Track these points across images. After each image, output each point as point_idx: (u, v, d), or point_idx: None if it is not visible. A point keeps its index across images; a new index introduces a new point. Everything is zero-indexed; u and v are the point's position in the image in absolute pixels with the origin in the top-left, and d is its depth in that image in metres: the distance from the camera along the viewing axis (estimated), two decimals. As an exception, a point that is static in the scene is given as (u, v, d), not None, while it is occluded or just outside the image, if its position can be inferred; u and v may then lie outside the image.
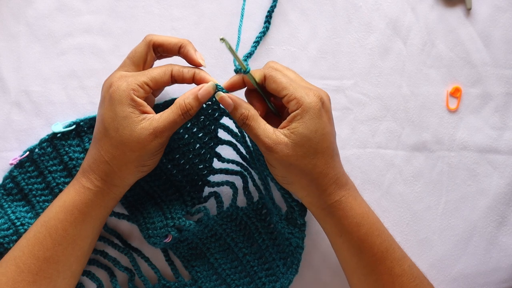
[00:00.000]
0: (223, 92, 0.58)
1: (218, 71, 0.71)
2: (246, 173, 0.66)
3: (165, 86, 0.61)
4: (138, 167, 0.58)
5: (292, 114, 0.56)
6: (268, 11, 0.70)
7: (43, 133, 0.68)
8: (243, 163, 0.66)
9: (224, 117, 0.62)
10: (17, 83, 0.69)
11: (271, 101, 0.62)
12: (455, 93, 0.73)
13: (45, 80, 0.69)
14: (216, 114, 0.62)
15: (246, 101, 0.60)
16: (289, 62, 0.72)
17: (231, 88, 0.60)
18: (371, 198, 0.72)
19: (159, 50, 0.61)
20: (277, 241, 0.68)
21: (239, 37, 0.63)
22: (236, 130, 0.64)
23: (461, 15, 0.74)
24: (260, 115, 0.58)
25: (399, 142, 0.73)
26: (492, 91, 0.74)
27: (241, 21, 0.64)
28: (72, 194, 0.58)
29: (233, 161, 0.66)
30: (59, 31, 0.69)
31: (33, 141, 0.68)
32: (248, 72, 0.58)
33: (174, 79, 0.59)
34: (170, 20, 0.71)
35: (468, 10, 0.73)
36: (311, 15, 0.72)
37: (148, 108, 0.57)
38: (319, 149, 0.56)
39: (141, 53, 0.60)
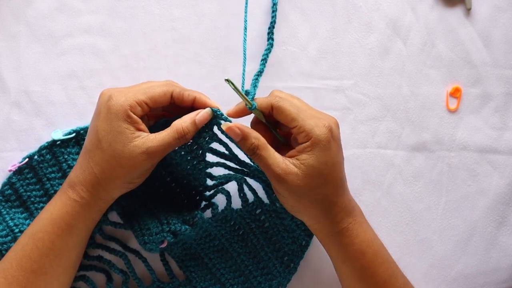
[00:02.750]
0: (221, 116, 0.59)
1: (218, 72, 0.71)
2: (240, 177, 0.66)
3: (163, 106, 0.61)
4: (124, 183, 0.58)
5: (301, 146, 0.56)
6: (269, 28, 0.69)
7: (43, 133, 0.68)
8: (237, 167, 0.66)
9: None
10: (17, 83, 0.69)
11: (277, 130, 0.62)
12: (455, 93, 0.73)
13: (45, 80, 0.69)
14: (203, 140, 0.61)
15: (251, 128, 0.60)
16: (289, 62, 0.72)
17: (236, 116, 0.60)
18: (371, 198, 0.72)
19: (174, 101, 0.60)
20: (273, 240, 0.68)
21: (244, 62, 0.61)
22: (225, 151, 0.64)
23: (461, 15, 0.74)
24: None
25: (399, 142, 0.73)
26: (492, 91, 0.74)
27: (244, 49, 0.62)
28: (58, 206, 0.58)
29: (225, 176, 0.66)
30: (59, 31, 0.69)
31: (33, 141, 0.68)
32: (255, 109, 0.58)
33: (173, 101, 0.59)
34: (170, 20, 0.71)
35: (468, 10, 0.73)
36: (311, 15, 0.72)
37: (143, 126, 0.57)
38: (329, 180, 0.57)
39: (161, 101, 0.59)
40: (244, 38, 0.62)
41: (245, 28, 0.62)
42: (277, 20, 0.71)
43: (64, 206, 0.58)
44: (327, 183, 0.56)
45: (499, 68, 0.74)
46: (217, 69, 0.71)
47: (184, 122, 0.57)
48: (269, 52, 0.68)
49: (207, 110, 0.59)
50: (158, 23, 0.70)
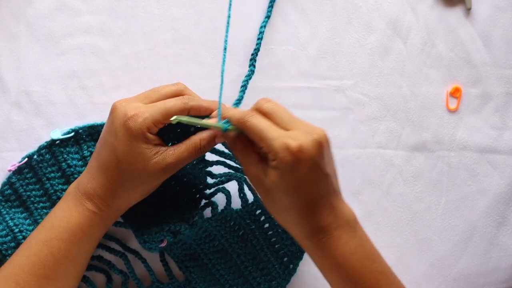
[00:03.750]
0: (229, 129, 0.58)
1: (218, 71, 0.70)
2: (240, 176, 0.66)
3: None
4: (142, 195, 0.60)
5: (270, 162, 0.53)
6: (252, 54, 0.68)
7: (43, 134, 0.68)
8: (238, 166, 0.67)
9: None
10: (17, 83, 0.69)
11: None
12: (455, 93, 0.73)
13: (45, 80, 0.69)
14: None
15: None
16: (289, 62, 0.72)
17: (212, 143, 0.59)
18: (371, 198, 0.72)
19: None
20: (273, 241, 0.68)
21: (222, 78, 0.59)
22: (226, 150, 0.65)
23: (461, 15, 0.74)
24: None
25: (399, 142, 0.73)
26: (492, 91, 0.74)
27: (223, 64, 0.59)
28: (76, 217, 0.59)
29: (226, 174, 0.66)
30: (59, 31, 0.69)
31: (33, 141, 0.68)
32: (226, 130, 0.56)
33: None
34: (170, 20, 0.71)
35: (468, 10, 0.74)
36: (311, 15, 0.72)
37: (159, 140, 0.58)
38: (291, 199, 0.53)
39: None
40: (222, 70, 0.59)
41: (225, 49, 0.59)
42: (277, 20, 0.71)
43: (83, 217, 0.59)
44: (290, 201, 0.53)
45: (499, 68, 0.74)
46: (217, 69, 0.70)
47: (203, 140, 0.58)
48: (249, 79, 0.67)
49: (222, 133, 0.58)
50: (158, 23, 0.70)
